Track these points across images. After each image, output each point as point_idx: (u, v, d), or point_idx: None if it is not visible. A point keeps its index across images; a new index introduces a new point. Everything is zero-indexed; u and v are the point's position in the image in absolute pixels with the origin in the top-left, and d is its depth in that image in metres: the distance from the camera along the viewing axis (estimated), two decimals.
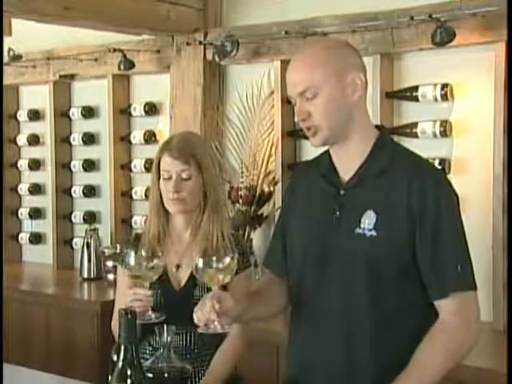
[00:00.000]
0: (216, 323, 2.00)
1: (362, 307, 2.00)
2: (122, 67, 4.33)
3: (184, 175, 2.49)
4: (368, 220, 1.98)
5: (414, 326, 1.99)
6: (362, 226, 1.99)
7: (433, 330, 1.96)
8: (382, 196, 2.00)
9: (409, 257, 1.97)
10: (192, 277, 2.50)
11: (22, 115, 5.16)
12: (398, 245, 1.97)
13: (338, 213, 2.04)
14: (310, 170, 2.20)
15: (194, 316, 2.03)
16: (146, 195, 4.48)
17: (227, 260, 2.09)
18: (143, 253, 2.34)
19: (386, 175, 2.01)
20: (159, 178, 2.53)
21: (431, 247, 1.95)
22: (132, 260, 2.32)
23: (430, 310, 1.99)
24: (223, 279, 2.10)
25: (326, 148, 2.13)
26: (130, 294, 2.36)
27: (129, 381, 1.83)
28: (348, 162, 2.06)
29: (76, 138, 4.87)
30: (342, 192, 2.05)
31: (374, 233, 1.97)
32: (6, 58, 4.72)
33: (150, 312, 2.32)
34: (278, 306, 2.25)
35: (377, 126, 2.14)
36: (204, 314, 2.00)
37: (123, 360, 1.83)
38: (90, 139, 4.85)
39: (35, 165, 5.13)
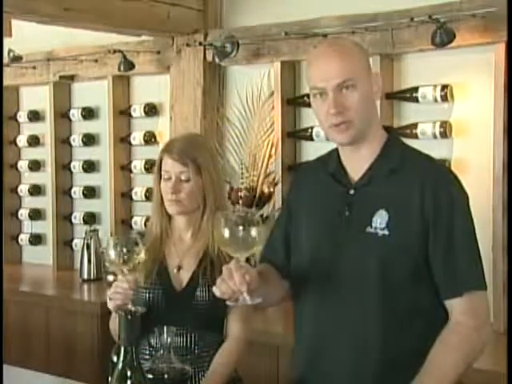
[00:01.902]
0: (245, 295, 1.90)
1: (373, 306, 1.99)
2: (121, 68, 4.33)
3: (183, 177, 2.50)
4: (380, 219, 1.98)
5: (424, 327, 1.99)
6: (373, 225, 1.98)
7: (445, 332, 1.96)
8: (394, 195, 1.99)
9: (420, 256, 1.97)
10: (193, 278, 2.50)
11: (22, 116, 5.16)
12: (410, 244, 1.97)
13: (347, 212, 2.03)
14: (316, 168, 2.18)
15: (216, 290, 1.92)
16: (146, 196, 4.49)
17: (253, 231, 1.96)
18: (124, 249, 2.34)
19: (396, 175, 2.01)
20: (160, 178, 2.55)
21: (445, 246, 1.95)
22: (112, 253, 2.32)
23: (440, 311, 1.99)
24: (253, 249, 1.98)
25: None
26: (113, 287, 2.37)
27: (129, 382, 1.83)
28: (358, 162, 2.05)
29: (76, 139, 4.87)
30: (351, 191, 2.04)
31: (386, 232, 1.97)
32: (6, 59, 4.72)
33: (129, 306, 2.32)
34: (277, 296, 2.21)
35: (385, 127, 2.14)
36: (231, 287, 1.90)
37: (123, 361, 1.83)
38: (90, 140, 4.85)
39: (35, 166, 5.13)
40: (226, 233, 1.96)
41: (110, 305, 2.35)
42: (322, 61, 1.99)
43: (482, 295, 1.99)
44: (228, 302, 1.96)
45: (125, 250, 2.31)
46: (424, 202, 1.95)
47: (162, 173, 2.53)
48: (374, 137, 2.04)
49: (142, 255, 2.33)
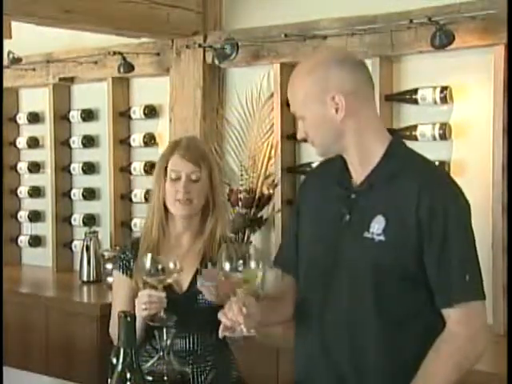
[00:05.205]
0: (242, 326, 1.99)
1: (369, 311, 1.99)
2: (121, 70, 4.33)
3: (193, 177, 2.47)
4: (377, 225, 1.98)
5: (421, 332, 1.99)
6: (371, 230, 1.99)
7: (438, 341, 1.96)
8: (392, 201, 1.99)
9: (416, 263, 1.96)
10: (194, 280, 2.49)
11: (22, 118, 5.16)
12: (405, 250, 1.96)
13: (347, 216, 2.04)
14: (323, 170, 2.20)
15: (221, 316, 2.02)
16: (145, 198, 4.47)
17: (252, 266, 2.05)
18: (154, 256, 2.34)
19: (396, 180, 2.01)
20: (165, 179, 2.52)
21: (438, 255, 1.94)
22: (148, 264, 2.31)
23: (437, 316, 1.98)
24: (251, 286, 2.06)
25: None
26: (143, 296, 2.34)
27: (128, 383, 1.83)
28: (360, 167, 2.06)
29: (76, 141, 4.87)
30: (352, 196, 2.05)
31: (382, 238, 1.97)
32: (5, 61, 4.72)
33: (161, 313, 2.32)
34: (290, 311, 2.22)
35: (389, 130, 2.14)
36: (230, 318, 1.99)
37: (123, 363, 1.83)
38: (89, 142, 4.85)
39: (35, 168, 5.13)
40: (227, 267, 2.05)
41: (144, 313, 2.32)
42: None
43: (477, 305, 1.97)
44: (226, 333, 2.04)
45: (160, 266, 2.33)
46: (419, 209, 1.95)
47: (170, 172, 2.50)
48: (360, 148, 2.03)
49: (176, 275, 2.35)
